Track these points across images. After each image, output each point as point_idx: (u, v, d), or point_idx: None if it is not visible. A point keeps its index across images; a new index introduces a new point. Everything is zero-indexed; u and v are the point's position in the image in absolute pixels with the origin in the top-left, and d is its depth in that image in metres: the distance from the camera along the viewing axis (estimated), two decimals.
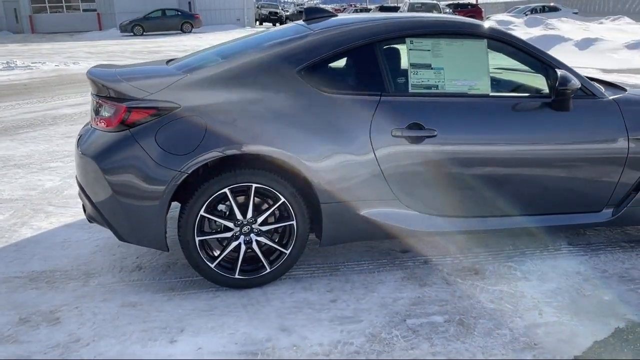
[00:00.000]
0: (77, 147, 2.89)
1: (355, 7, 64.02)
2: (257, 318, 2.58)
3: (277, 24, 39.40)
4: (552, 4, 31.96)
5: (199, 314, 2.63)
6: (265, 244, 2.80)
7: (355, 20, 3.08)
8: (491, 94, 2.96)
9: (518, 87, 3.32)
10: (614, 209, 3.17)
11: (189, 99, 2.68)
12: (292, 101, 2.73)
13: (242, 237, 2.77)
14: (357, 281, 2.92)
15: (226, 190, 2.67)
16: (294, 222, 2.78)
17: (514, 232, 3.36)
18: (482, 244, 3.36)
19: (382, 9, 44.33)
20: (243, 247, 2.77)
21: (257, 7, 39.76)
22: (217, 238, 2.78)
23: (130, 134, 2.64)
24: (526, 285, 2.88)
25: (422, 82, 2.89)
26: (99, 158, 2.66)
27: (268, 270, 2.82)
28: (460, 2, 35.93)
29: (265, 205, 2.77)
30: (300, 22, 3.61)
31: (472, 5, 38.20)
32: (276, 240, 2.83)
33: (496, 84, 3.15)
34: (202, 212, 2.68)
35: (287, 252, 2.82)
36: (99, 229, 3.57)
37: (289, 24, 3.67)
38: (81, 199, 2.94)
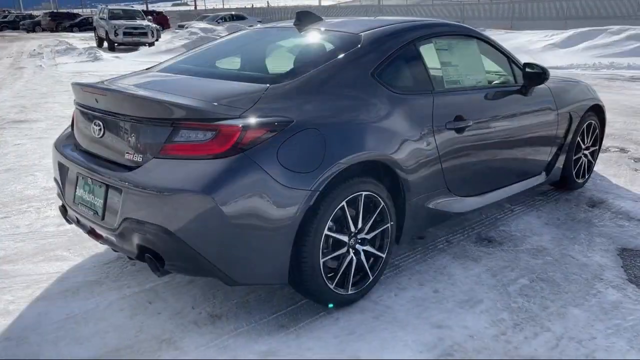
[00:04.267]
0: (141, 188, 2.29)
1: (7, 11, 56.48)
2: (405, 325, 2.54)
3: None
4: (234, 13, 34.18)
5: (348, 339, 2.44)
6: (368, 251, 2.72)
7: (386, 22, 3.16)
8: (488, 85, 3.45)
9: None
10: (545, 172, 4.03)
11: (296, 111, 2.43)
12: (376, 103, 2.73)
13: (351, 249, 2.64)
14: (426, 271, 3.08)
15: (344, 203, 2.52)
16: (389, 225, 2.78)
17: None
18: (462, 219, 3.84)
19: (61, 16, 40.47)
20: (355, 260, 2.65)
21: None
22: (335, 256, 2.58)
23: (248, 156, 2.25)
24: (537, 240, 3.49)
25: (451, 78, 3.20)
26: (213, 190, 2.19)
27: (371, 278, 2.76)
28: (146, 10, 35.82)
29: (367, 213, 2.69)
30: (282, 24, 3.50)
31: (157, 13, 38.26)
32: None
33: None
34: (326, 231, 2.47)
35: (384, 256, 2.80)
36: (97, 292, 2.81)
37: (274, 27, 3.51)
38: (154, 249, 2.33)
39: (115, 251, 2.75)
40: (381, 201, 2.69)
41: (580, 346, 2.39)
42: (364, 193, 2.60)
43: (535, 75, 3.53)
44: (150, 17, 25.82)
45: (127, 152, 2.44)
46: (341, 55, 2.76)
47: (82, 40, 26.89)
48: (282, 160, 2.31)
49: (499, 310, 2.68)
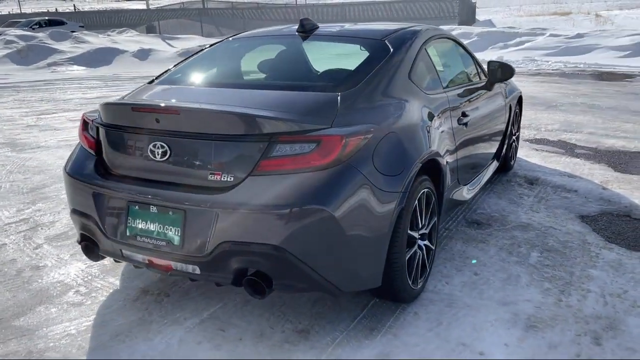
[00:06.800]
0: (243, 208, 2.16)
1: None
2: (478, 307, 2.72)
3: None
4: (51, 18, 31.16)
5: (441, 329, 2.55)
6: (427, 246, 2.86)
7: (395, 28, 3.28)
8: (469, 82, 3.78)
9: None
10: (496, 157, 4.52)
11: (373, 117, 2.48)
12: (417, 103, 2.86)
13: (417, 245, 2.75)
14: (452, 258, 3.29)
15: (416, 202, 2.62)
16: (436, 218, 2.95)
17: None
18: None
19: None
20: (421, 254, 2.77)
21: None
22: (412, 253, 2.66)
23: (351, 164, 2.26)
24: (515, 218, 3.91)
25: (449, 77, 3.45)
26: (326, 201, 2.16)
27: (428, 270, 2.90)
28: None
29: (426, 209, 2.81)
30: (287, 31, 3.47)
31: None
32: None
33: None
34: (408, 230, 2.55)
35: (434, 248, 2.96)
36: (155, 330, 2.54)
37: (282, 34, 3.45)
38: (261, 270, 2.22)
39: (193, 280, 2.52)
40: (433, 197, 2.85)
41: (623, 299, 2.80)
42: (425, 190, 2.73)
43: (498, 73, 3.94)
44: None
45: (212, 173, 2.26)
46: (383, 61, 2.84)
47: None
48: (377, 166, 2.35)
49: (539, 281, 2.99)
